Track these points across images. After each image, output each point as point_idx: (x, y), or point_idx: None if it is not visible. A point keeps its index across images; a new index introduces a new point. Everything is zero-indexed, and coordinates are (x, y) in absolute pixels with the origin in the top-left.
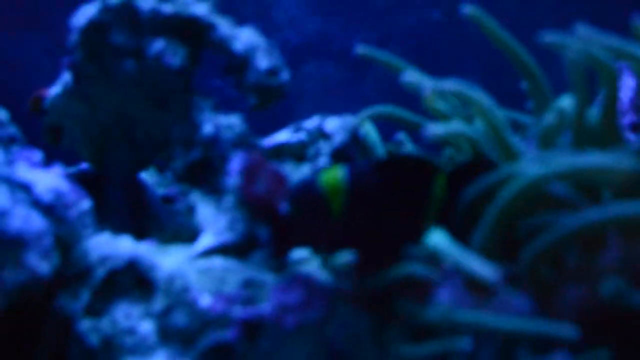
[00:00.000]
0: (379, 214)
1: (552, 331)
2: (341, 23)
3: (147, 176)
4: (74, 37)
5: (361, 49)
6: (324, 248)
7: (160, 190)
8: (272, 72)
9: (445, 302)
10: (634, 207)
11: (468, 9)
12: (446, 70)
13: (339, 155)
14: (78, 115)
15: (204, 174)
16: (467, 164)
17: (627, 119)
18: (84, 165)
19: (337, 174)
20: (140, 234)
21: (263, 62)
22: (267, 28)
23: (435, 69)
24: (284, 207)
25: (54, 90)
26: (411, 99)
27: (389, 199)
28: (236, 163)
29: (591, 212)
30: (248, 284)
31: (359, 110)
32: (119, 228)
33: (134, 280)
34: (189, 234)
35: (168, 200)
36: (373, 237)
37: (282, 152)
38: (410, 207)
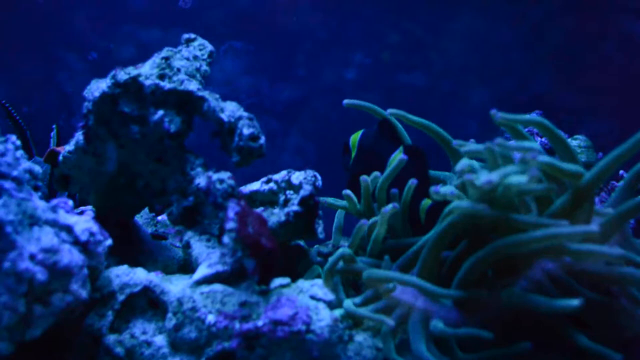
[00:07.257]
0: (366, 167)
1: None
2: (269, 80)
3: (140, 218)
4: (87, 106)
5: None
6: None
7: (150, 229)
8: (254, 137)
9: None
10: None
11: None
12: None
13: (305, 203)
14: (87, 167)
15: (196, 218)
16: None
17: None
18: (88, 209)
19: (356, 136)
20: (136, 266)
21: (246, 129)
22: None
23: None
24: (267, 243)
25: (68, 147)
26: (337, 145)
27: (372, 161)
28: (231, 210)
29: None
30: (244, 304)
31: (289, 157)
32: (120, 261)
33: (148, 303)
34: (177, 266)
35: (159, 237)
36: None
37: (255, 198)
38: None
